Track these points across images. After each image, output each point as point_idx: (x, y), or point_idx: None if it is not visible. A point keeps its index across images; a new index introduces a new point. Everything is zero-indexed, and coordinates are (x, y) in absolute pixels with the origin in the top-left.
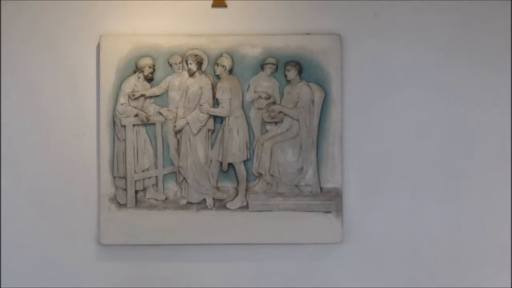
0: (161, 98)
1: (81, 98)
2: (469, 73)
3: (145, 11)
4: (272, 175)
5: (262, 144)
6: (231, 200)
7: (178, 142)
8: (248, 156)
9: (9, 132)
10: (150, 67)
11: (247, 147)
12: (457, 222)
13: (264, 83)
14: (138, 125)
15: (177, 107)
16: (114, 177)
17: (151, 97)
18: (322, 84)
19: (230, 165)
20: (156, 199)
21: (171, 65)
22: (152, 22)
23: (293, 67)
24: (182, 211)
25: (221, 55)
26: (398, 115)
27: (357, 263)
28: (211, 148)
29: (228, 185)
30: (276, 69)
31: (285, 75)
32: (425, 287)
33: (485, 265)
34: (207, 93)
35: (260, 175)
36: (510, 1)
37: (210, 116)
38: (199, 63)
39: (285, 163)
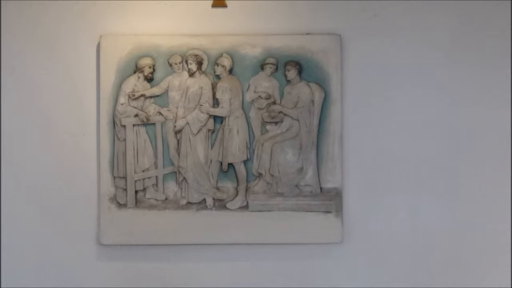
0: (161, 98)
1: (81, 98)
2: (469, 73)
3: (145, 11)
4: (272, 175)
5: (262, 144)
6: (231, 200)
7: (178, 142)
8: (248, 156)
9: (9, 132)
10: (150, 67)
11: (247, 147)
12: (457, 222)
13: (264, 83)
14: (138, 125)
15: (177, 107)
16: (114, 177)
17: (151, 97)
18: (322, 84)
19: (230, 165)
20: (156, 199)
21: (171, 65)
22: (152, 22)
23: (293, 67)
24: (182, 211)
25: (221, 55)
26: (398, 115)
27: (357, 263)
28: (211, 148)
29: (228, 185)
30: (276, 69)
31: (285, 75)
32: (425, 287)
33: (485, 265)
34: (207, 93)
35: (260, 175)
36: (510, 1)
37: (210, 116)
38: (199, 63)
39: (285, 163)
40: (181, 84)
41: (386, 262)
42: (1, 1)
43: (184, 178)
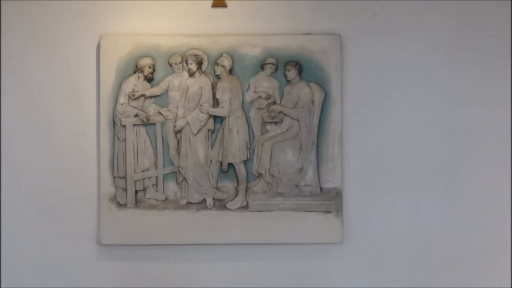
0: (161, 98)
1: (81, 98)
2: (469, 73)
3: (145, 11)
4: (272, 175)
5: (262, 144)
6: (231, 200)
7: (178, 142)
8: (248, 156)
9: (9, 132)
10: (150, 67)
11: (247, 147)
12: (457, 222)
13: (264, 83)
14: (138, 125)
15: (177, 107)
16: (114, 177)
17: (151, 97)
18: (322, 84)
19: (230, 165)
20: (156, 199)
21: (171, 65)
22: (152, 22)
23: (293, 67)
24: (182, 211)
25: (221, 55)
26: (398, 115)
27: (357, 263)
28: (211, 148)
29: (228, 185)
30: (276, 69)
31: (285, 75)
32: (425, 287)
33: (485, 265)
34: (207, 93)
35: (260, 175)
36: (510, 1)
37: (210, 116)
38: (199, 63)
39: (285, 163)
40: (181, 84)
41: (386, 262)
42: (1, 1)
43: (184, 178)
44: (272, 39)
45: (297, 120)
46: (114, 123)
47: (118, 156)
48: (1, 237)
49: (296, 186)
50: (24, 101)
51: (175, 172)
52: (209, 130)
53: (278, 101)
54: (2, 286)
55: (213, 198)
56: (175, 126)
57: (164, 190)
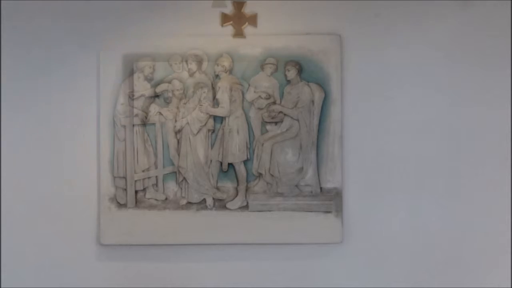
0: (161, 98)
1: (81, 98)
2: (469, 73)
3: (146, 11)
4: (272, 175)
5: (262, 144)
6: (231, 200)
7: (178, 142)
8: (248, 156)
9: (9, 132)
10: (150, 67)
11: (247, 147)
12: (457, 222)
13: (264, 83)
14: (138, 125)
15: (177, 107)
16: (114, 177)
17: (151, 97)
18: (322, 84)
19: (230, 165)
20: (156, 199)
21: (171, 65)
22: (152, 22)
23: (293, 67)
24: (182, 211)
25: (221, 55)
26: (398, 115)
27: (357, 263)
28: (211, 148)
29: (228, 185)
30: (276, 69)
31: (285, 75)
32: (425, 287)
33: (485, 265)
34: (207, 93)
35: (260, 175)
36: (510, 1)
37: (210, 116)
38: (199, 63)
39: (285, 163)
40: (181, 84)
41: (386, 262)
42: (1, 1)
43: (184, 178)
44: (272, 39)
45: (297, 120)
46: (114, 123)
47: (118, 156)
48: (1, 237)
49: (296, 186)
50: (24, 101)
51: (175, 172)
52: (209, 130)
53: (278, 101)
54: (2, 286)
55: (213, 198)
56: (175, 126)
57: (164, 190)
